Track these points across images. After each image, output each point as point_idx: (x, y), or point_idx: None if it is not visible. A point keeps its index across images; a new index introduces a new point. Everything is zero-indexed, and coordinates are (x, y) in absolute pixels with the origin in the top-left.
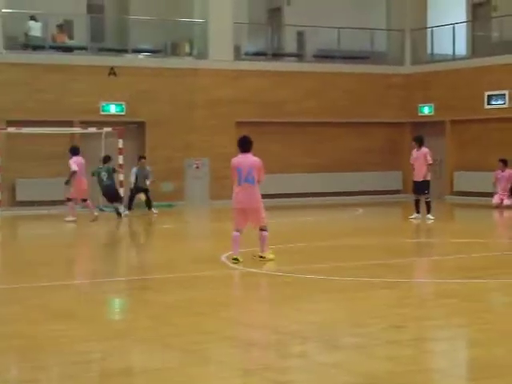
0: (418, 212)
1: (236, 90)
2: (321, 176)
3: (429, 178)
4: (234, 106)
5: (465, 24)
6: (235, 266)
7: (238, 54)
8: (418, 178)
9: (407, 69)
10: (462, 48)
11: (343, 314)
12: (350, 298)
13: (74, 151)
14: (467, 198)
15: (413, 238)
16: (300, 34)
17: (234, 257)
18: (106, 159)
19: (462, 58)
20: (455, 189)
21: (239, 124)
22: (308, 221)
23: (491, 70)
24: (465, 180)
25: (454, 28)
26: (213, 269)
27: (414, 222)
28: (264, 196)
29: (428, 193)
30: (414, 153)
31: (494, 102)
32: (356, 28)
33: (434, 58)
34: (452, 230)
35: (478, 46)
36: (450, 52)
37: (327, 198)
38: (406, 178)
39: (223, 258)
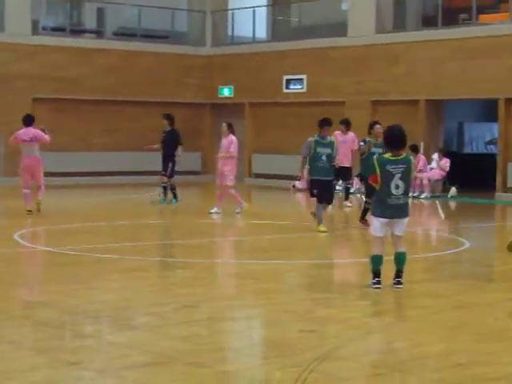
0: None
1: (33, 66)
2: (120, 155)
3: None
4: (32, 81)
5: (265, 8)
6: (28, 244)
7: (35, 28)
8: (343, 163)
9: (208, 50)
10: (262, 31)
11: (137, 294)
12: (144, 277)
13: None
14: (265, 180)
15: (211, 219)
16: (100, 11)
17: (28, 208)
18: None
19: (262, 42)
20: (254, 171)
21: (36, 100)
22: (106, 199)
23: (290, 55)
24: (263, 162)
25: (254, 11)
26: (5, 247)
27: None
28: (62, 174)
29: (350, 179)
30: (340, 136)
31: (292, 87)
32: (157, 7)
33: (234, 41)
34: (250, 212)
35: (277, 30)
36: (251, 35)
37: (126, 176)
38: (206, 159)
39: (16, 235)
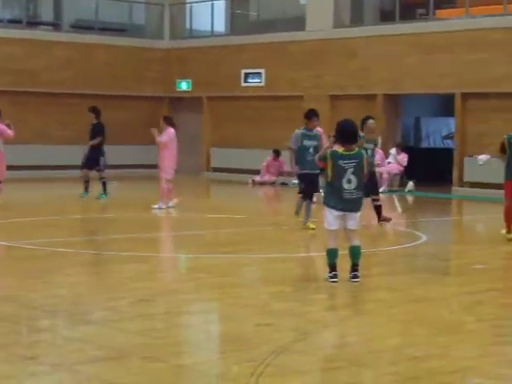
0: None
1: None
2: (77, 148)
3: None
4: None
5: (224, 1)
6: None
7: None
8: None
9: (166, 43)
10: (220, 25)
11: (93, 288)
12: (100, 271)
13: None
14: (223, 174)
15: (167, 213)
16: (57, 3)
17: None
18: None
19: (220, 35)
20: (212, 165)
21: None
22: (63, 193)
23: (248, 49)
24: (221, 156)
25: (212, 5)
26: None
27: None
28: (19, 167)
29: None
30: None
31: (250, 80)
32: (115, 0)
33: (192, 34)
34: (208, 206)
35: (236, 24)
36: (209, 28)
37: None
38: None
39: None
